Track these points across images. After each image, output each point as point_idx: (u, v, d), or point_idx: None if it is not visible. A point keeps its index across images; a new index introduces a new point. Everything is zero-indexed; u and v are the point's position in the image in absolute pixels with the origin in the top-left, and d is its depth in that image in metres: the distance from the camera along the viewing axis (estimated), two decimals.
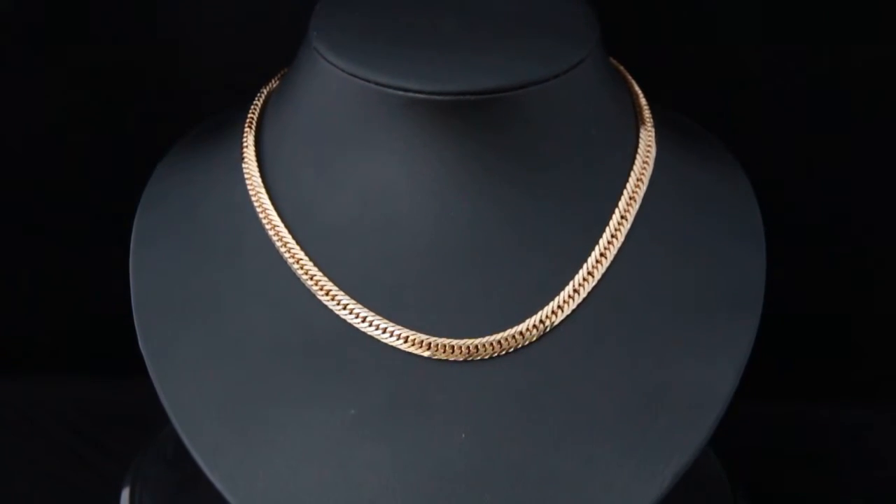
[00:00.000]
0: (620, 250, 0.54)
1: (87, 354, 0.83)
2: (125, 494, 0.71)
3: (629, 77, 0.60)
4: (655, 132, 0.57)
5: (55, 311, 0.85)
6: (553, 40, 0.55)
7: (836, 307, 0.82)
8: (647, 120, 0.58)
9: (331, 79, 0.54)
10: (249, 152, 0.58)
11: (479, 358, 0.52)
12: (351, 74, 0.53)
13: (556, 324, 0.52)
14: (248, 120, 0.59)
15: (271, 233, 0.55)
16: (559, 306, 0.52)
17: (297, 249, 0.55)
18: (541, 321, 0.52)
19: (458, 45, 0.54)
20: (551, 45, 0.55)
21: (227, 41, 0.78)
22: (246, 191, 0.57)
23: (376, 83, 0.53)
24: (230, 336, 0.54)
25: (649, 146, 0.56)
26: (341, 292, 0.53)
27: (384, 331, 0.53)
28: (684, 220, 0.56)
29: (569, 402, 0.51)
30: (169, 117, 0.79)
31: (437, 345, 0.52)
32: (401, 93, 0.52)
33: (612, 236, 0.54)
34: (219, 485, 0.51)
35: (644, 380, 0.52)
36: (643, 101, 0.59)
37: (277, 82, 0.62)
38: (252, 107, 0.60)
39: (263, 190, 0.56)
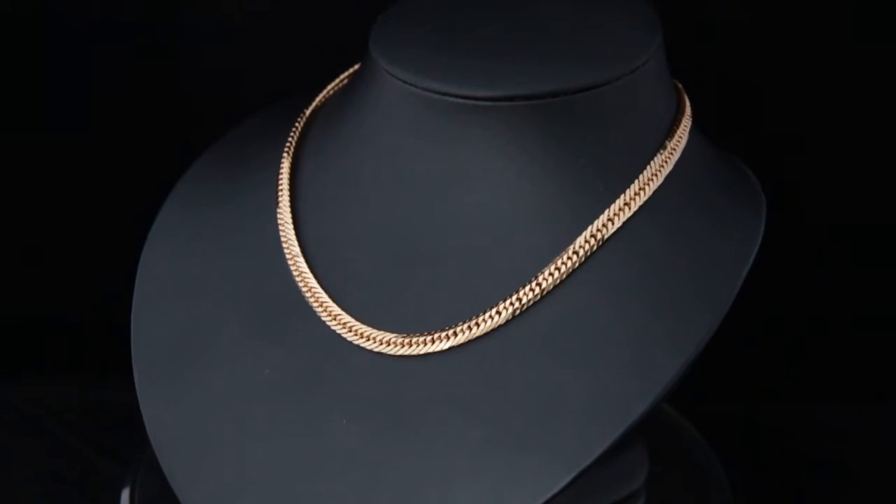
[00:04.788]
0: (572, 276, 0.52)
1: (87, 354, 0.83)
2: (125, 494, 0.71)
3: (680, 86, 0.60)
4: (679, 157, 0.56)
5: (55, 311, 0.85)
6: (612, 44, 0.55)
7: (835, 308, 0.83)
8: (683, 128, 0.56)
9: (394, 91, 0.54)
10: (286, 163, 0.58)
11: (390, 353, 0.52)
12: (413, 85, 0.53)
13: (472, 337, 0.52)
14: (295, 126, 0.60)
15: (279, 195, 0.57)
16: (478, 323, 0.52)
17: (286, 212, 0.56)
18: (454, 333, 0.52)
19: (518, 51, 0.54)
20: (610, 49, 0.55)
21: (228, 45, 0.78)
22: (276, 174, 0.58)
23: (439, 93, 0.53)
24: (202, 276, 0.57)
25: (662, 165, 0.55)
26: (302, 260, 0.55)
27: (320, 305, 0.54)
28: (661, 257, 0.54)
29: (454, 420, 0.51)
30: (169, 119, 0.79)
31: (357, 330, 0.53)
32: (461, 100, 0.52)
33: (568, 257, 0.52)
34: (142, 404, 0.55)
35: (532, 417, 0.50)
36: (688, 110, 0.58)
37: (339, 86, 0.62)
38: (300, 115, 0.60)
39: (287, 167, 0.58)
